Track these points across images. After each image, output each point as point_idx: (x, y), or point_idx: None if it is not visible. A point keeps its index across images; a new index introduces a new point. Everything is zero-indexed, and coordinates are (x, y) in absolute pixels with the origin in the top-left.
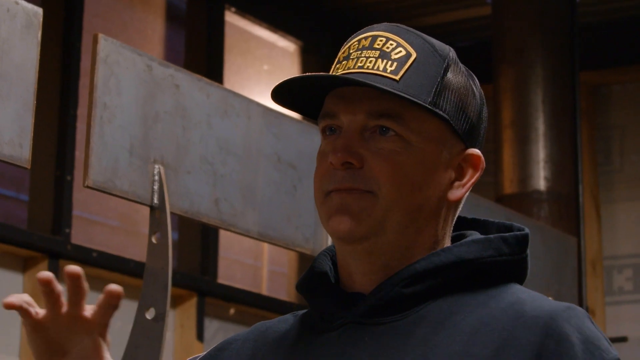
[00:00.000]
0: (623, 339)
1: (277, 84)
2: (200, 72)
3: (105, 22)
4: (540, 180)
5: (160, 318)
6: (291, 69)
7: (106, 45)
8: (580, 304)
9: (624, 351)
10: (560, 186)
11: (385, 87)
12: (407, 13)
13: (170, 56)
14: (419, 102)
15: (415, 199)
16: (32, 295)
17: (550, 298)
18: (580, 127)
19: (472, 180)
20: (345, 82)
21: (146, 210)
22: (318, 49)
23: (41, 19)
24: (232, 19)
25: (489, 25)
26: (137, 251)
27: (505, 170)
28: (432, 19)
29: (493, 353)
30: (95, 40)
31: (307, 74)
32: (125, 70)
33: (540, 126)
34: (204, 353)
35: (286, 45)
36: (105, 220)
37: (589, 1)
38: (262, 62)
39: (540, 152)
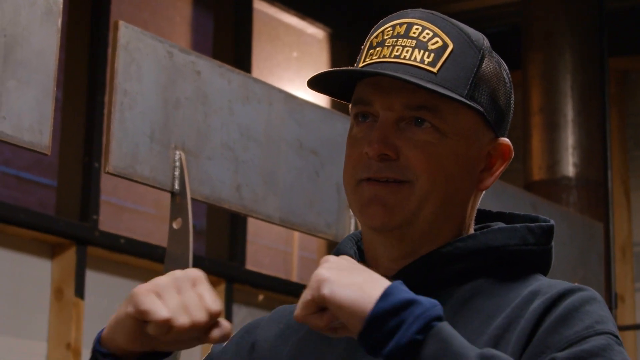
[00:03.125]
0: None
1: (315, 74)
2: (228, 59)
3: (133, 9)
4: (569, 166)
5: None
6: (320, 56)
7: (126, 32)
8: (609, 290)
9: None
10: (589, 172)
11: (425, 84)
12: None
13: (199, 43)
14: (457, 97)
15: (449, 189)
16: (60, 282)
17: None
18: (610, 113)
19: (501, 169)
20: (389, 76)
21: (166, 198)
22: (347, 36)
23: (61, 6)
24: (261, 5)
25: (518, 11)
26: (165, 237)
27: (534, 157)
28: (461, 5)
29: (501, 332)
30: (115, 27)
31: (349, 67)
32: (146, 56)
33: (569, 112)
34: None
35: (315, 32)
36: (133, 206)
37: None
38: (291, 49)
39: (569, 138)
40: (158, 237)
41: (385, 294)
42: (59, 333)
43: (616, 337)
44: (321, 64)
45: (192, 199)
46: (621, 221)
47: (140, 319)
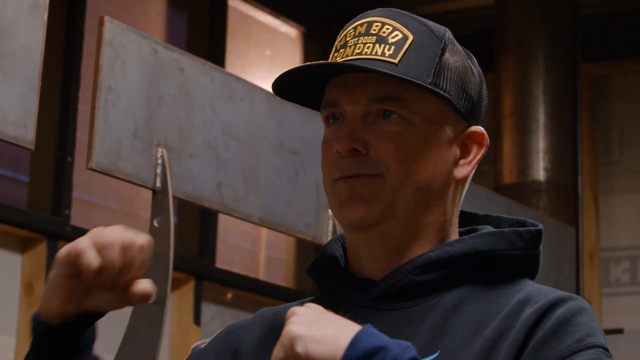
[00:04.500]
0: (619, 331)
1: (277, 76)
2: (202, 56)
3: (108, 4)
4: (540, 170)
5: (161, 302)
6: (293, 55)
7: (112, 28)
8: (578, 295)
9: (620, 343)
10: (559, 177)
11: (385, 71)
12: (408, 1)
13: (173, 40)
14: (419, 82)
15: (422, 178)
16: (31, 277)
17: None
18: (581, 118)
19: (478, 157)
20: (345, 68)
21: (145, 193)
22: (320, 34)
23: (47, 0)
24: (235, 3)
25: (491, 14)
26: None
27: (505, 160)
28: (434, 7)
29: (493, 343)
30: (101, 23)
31: (305, 63)
32: (131, 53)
33: (540, 116)
34: (211, 339)
35: (288, 30)
36: (105, 203)
37: None
38: (264, 47)
39: (540, 143)
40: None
41: (353, 342)
42: (29, 328)
43: (606, 349)
44: (294, 62)
45: (174, 197)
46: (590, 226)
47: (68, 270)
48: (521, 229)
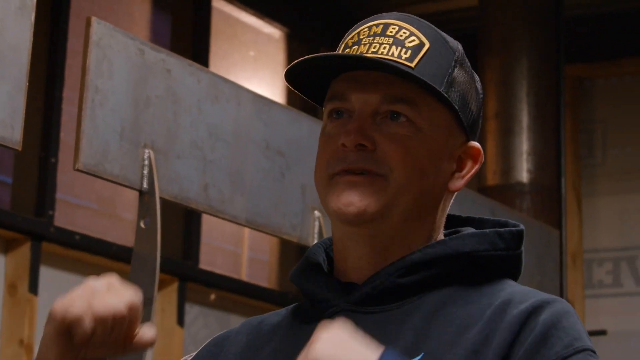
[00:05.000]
0: (602, 333)
1: (289, 66)
2: (186, 57)
3: (92, 5)
4: (523, 172)
5: (148, 303)
6: (277, 56)
7: (99, 29)
8: (561, 296)
9: (603, 345)
10: (542, 178)
11: (408, 70)
12: (394, 2)
13: (157, 41)
14: (436, 88)
15: (423, 184)
16: (14, 278)
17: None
18: (564, 120)
19: (471, 172)
20: (369, 63)
21: (128, 194)
22: (303, 35)
23: (35, 1)
24: (219, 4)
25: (475, 16)
26: (119, 235)
27: (489, 162)
28: (418, 8)
29: (478, 347)
30: (88, 23)
31: (328, 53)
32: (118, 53)
33: (524, 118)
34: (197, 351)
35: (272, 31)
36: (88, 204)
37: None
38: (248, 48)
39: (524, 144)
40: (112, 234)
41: None
42: (12, 329)
43: (593, 352)
44: (278, 63)
45: (160, 199)
46: (572, 228)
47: (62, 329)
48: (502, 229)
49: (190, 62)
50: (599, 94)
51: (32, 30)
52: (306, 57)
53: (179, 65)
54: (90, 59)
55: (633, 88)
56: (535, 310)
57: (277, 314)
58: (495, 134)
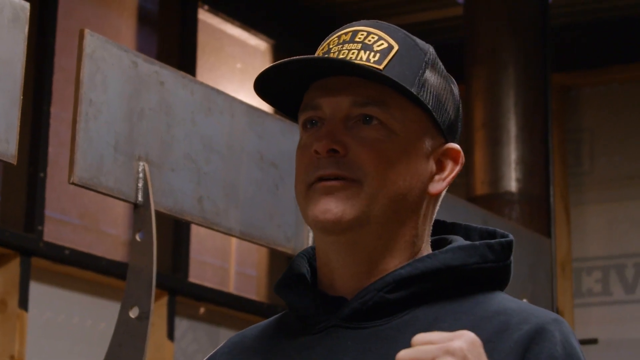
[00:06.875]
0: (593, 341)
1: (257, 75)
2: None
3: (79, 18)
4: (512, 181)
5: (144, 317)
6: (263, 68)
7: (92, 41)
8: (551, 306)
9: (594, 353)
10: (531, 188)
11: (373, 68)
12: (379, 12)
13: (144, 53)
14: (404, 86)
15: (399, 188)
16: (4, 294)
17: (535, 306)
18: (552, 129)
19: (452, 174)
20: (331, 65)
21: (112, 208)
22: (289, 47)
23: (28, 14)
24: (205, 16)
25: (461, 26)
26: (105, 249)
27: (477, 172)
28: (404, 18)
29: None
30: (81, 36)
31: (289, 58)
32: (111, 66)
33: (512, 128)
34: None
35: (257, 43)
36: (72, 220)
37: (560, 3)
38: (235, 60)
39: (512, 154)
40: (100, 248)
41: None
42: (2, 345)
43: None
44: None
45: (155, 212)
46: (561, 237)
47: None
48: (492, 241)
49: (183, 74)
50: (586, 102)
51: (26, 43)
52: (270, 65)
53: (172, 78)
54: (83, 72)
55: (620, 96)
56: (536, 334)
57: (257, 327)
58: (483, 143)
